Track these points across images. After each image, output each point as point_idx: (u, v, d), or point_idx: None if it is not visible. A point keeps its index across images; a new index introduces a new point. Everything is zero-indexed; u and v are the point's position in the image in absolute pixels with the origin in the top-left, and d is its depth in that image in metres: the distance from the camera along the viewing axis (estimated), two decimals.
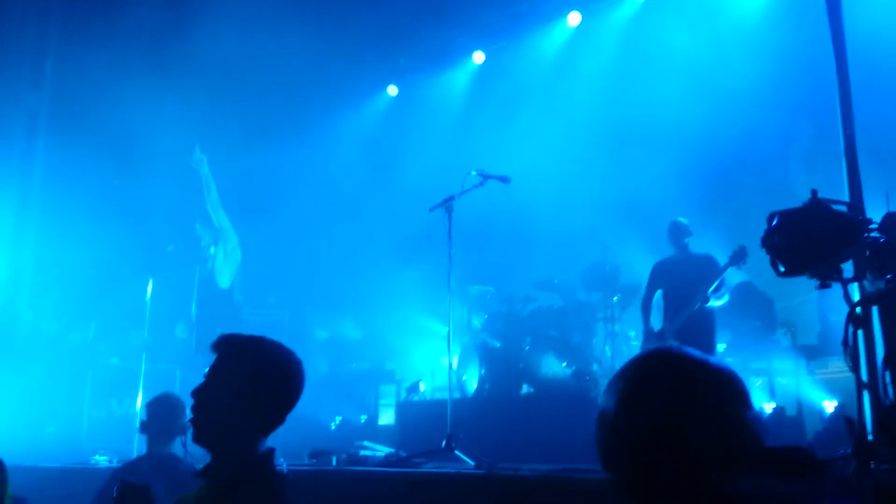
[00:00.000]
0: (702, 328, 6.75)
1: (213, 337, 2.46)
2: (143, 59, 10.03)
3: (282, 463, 5.75)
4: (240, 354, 2.37)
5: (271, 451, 2.38)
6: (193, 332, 8.13)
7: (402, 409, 8.99)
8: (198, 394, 2.35)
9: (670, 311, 7.02)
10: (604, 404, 1.60)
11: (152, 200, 10.17)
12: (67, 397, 9.22)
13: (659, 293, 7.34)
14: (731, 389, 1.51)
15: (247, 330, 2.43)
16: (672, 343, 6.50)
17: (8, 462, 6.80)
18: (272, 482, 2.33)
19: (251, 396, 2.31)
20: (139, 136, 10.04)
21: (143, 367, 7.85)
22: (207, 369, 2.38)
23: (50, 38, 11.02)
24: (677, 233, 7.16)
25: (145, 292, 8.01)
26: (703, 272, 6.89)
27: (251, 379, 2.32)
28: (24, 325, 10.09)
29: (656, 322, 7.25)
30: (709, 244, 7.42)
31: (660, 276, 7.28)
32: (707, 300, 6.75)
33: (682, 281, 6.95)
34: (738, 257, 6.65)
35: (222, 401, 2.31)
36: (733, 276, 6.99)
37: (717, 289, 6.81)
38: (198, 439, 2.35)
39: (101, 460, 6.98)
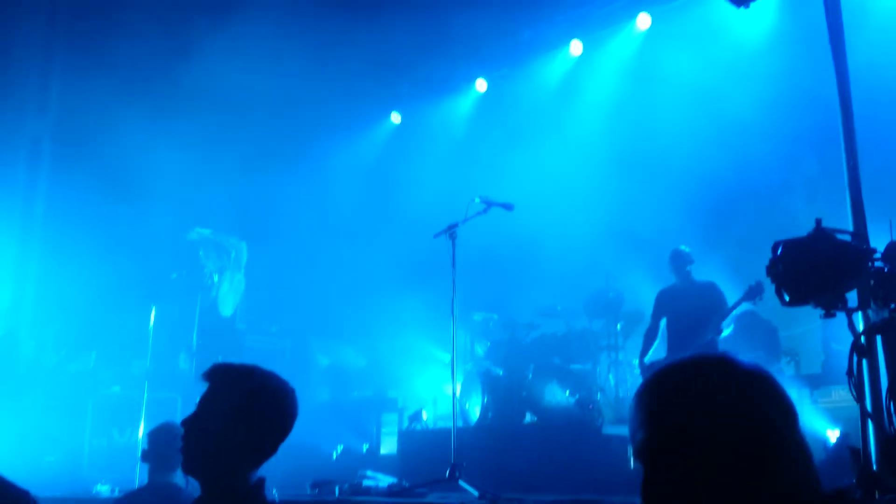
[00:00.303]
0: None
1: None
2: (146, 87, 10.11)
3: (274, 494, 5.72)
4: (231, 384, 2.34)
5: (262, 481, 2.35)
6: (194, 360, 8.11)
7: (405, 438, 8.95)
8: (188, 423, 2.33)
9: (675, 339, 6.97)
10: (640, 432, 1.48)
11: (155, 228, 10.18)
12: (68, 426, 9.16)
13: (663, 322, 7.29)
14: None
15: (249, 358, 2.42)
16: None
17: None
18: None
19: (242, 426, 2.28)
20: (141, 164, 10.09)
21: (146, 395, 7.83)
22: (199, 399, 2.36)
23: (54, 67, 11.11)
24: (679, 261, 7.13)
25: (148, 320, 8.01)
26: (707, 301, 6.85)
27: (242, 408, 2.29)
28: (24, 354, 10.07)
29: (660, 350, 7.20)
30: (712, 272, 7.41)
31: (664, 304, 7.24)
32: (720, 332, 6.66)
33: (686, 309, 6.93)
34: (754, 293, 6.52)
35: (212, 431, 2.28)
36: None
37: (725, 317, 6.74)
38: (188, 469, 2.33)
39: (103, 489, 6.94)
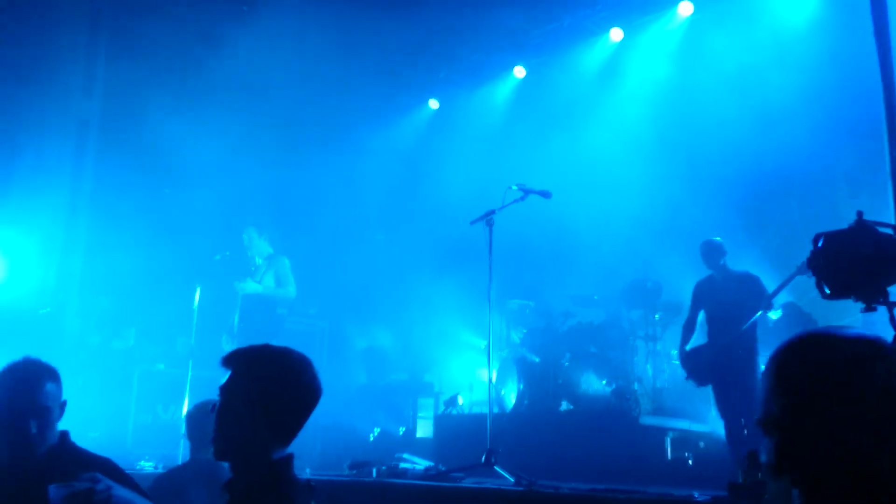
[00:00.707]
0: (747, 342, 6.65)
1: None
2: (188, 72, 10.26)
3: (307, 472, 5.82)
4: (248, 367, 2.38)
5: (289, 458, 2.39)
6: (235, 342, 8.24)
7: (441, 423, 9.03)
8: (216, 413, 2.38)
9: (714, 330, 6.91)
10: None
11: (201, 210, 10.36)
12: (113, 403, 9.38)
13: (701, 314, 7.22)
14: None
15: (287, 339, 2.47)
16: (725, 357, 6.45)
17: None
18: (289, 488, 2.33)
19: (263, 407, 2.31)
20: (185, 147, 10.26)
21: (190, 373, 7.99)
22: (220, 386, 2.41)
23: (100, 49, 11.30)
24: (713, 253, 6.97)
25: (193, 300, 8.17)
26: (745, 290, 6.74)
27: (262, 390, 2.33)
28: (70, 332, 10.32)
29: (698, 341, 7.15)
30: (751, 263, 7.33)
31: (701, 296, 7.13)
32: (771, 307, 6.57)
33: (724, 300, 6.82)
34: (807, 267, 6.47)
35: (236, 416, 2.32)
36: (779, 297, 6.86)
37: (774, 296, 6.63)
38: (219, 456, 2.37)
39: (147, 465, 7.10)
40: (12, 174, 10.24)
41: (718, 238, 7.05)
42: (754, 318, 6.59)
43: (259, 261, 8.19)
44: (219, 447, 2.36)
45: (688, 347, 7.12)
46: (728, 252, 6.99)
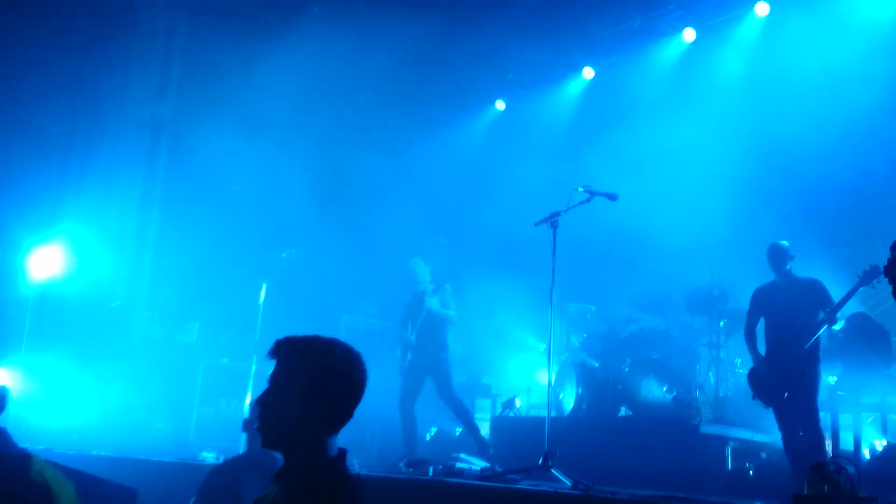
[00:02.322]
0: (812, 354, 6.38)
1: None
2: (264, 72, 10.41)
3: (355, 465, 5.86)
4: (296, 355, 2.39)
5: (343, 452, 2.39)
6: (412, 354, 8.41)
7: (498, 424, 9.00)
8: (262, 400, 2.39)
9: (774, 338, 6.61)
10: None
11: (269, 207, 10.55)
12: (178, 395, 9.60)
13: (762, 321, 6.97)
14: None
15: (342, 337, 2.48)
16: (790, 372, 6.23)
17: (117, 455, 7.16)
18: (344, 483, 2.34)
19: (313, 395, 2.33)
20: (258, 144, 10.47)
21: (254, 368, 8.14)
22: (269, 374, 2.43)
23: (175, 51, 11.60)
24: (779, 257, 6.68)
25: (258, 296, 8.32)
26: (810, 298, 6.44)
27: (311, 378, 2.35)
28: (138, 325, 10.60)
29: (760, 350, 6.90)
30: (824, 272, 7.09)
31: (762, 302, 6.84)
32: (835, 322, 6.31)
33: (786, 308, 6.54)
34: (870, 276, 6.14)
35: (284, 404, 2.34)
36: (848, 306, 6.61)
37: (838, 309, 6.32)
38: (267, 444, 2.39)
39: (209, 457, 7.25)
40: (88, 170, 10.57)
41: (786, 242, 6.79)
42: (818, 334, 6.31)
43: (425, 287, 8.35)
44: (265, 434, 2.38)
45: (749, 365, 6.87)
46: (795, 257, 6.73)
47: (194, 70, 11.14)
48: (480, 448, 7.89)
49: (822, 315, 6.34)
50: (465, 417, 8.14)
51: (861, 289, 6.28)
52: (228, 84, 10.52)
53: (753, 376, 6.69)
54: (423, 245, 8.74)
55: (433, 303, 8.27)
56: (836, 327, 6.55)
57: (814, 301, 6.43)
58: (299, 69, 10.33)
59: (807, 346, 6.31)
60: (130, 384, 9.46)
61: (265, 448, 2.42)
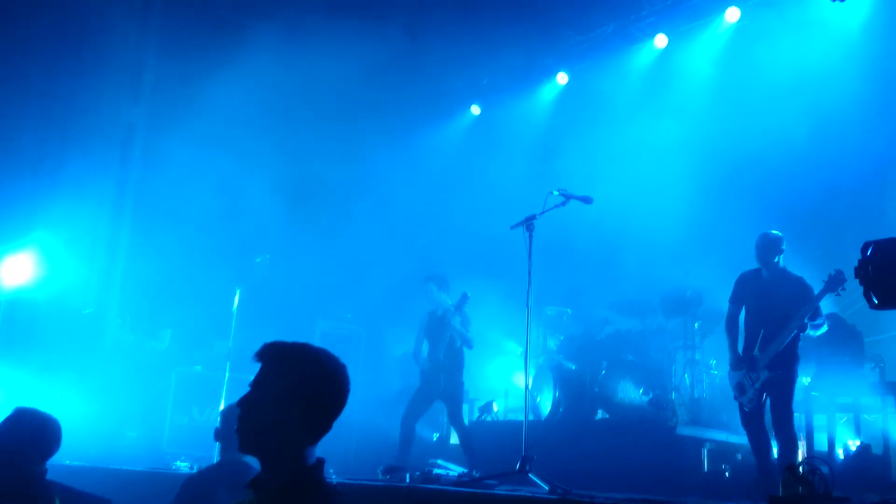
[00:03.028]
0: (789, 354, 6.30)
1: None
2: (235, 79, 10.35)
3: (331, 474, 5.82)
4: (282, 361, 2.37)
5: (321, 462, 2.37)
6: (436, 370, 8.31)
7: (475, 429, 8.97)
8: (243, 403, 2.36)
9: (753, 333, 6.44)
10: None
11: (242, 213, 10.47)
12: (151, 403, 9.49)
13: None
14: None
15: (320, 343, 2.45)
16: (767, 372, 6.18)
17: (90, 464, 7.05)
18: (322, 492, 2.32)
19: (295, 403, 2.30)
20: (230, 150, 10.39)
21: (227, 375, 8.05)
22: (252, 378, 2.40)
23: (148, 56, 11.49)
24: (769, 246, 6.46)
25: (232, 303, 8.24)
26: (795, 296, 6.27)
27: (295, 385, 2.32)
28: (110, 332, 10.48)
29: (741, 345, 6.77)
30: (798, 272, 7.12)
31: (745, 289, 6.62)
32: (804, 328, 6.17)
33: (769, 302, 6.36)
34: (836, 283, 6.04)
35: (267, 409, 2.31)
36: (821, 307, 6.57)
37: (815, 317, 6.20)
38: (245, 448, 2.36)
39: (182, 466, 7.17)
40: (60, 177, 10.44)
41: (777, 231, 6.57)
42: (790, 337, 6.19)
43: (446, 308, 8.22)
44: (243, 438, 2.35)
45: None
46: (786, 251, 6.51)
47: (166, 77, 11.04)
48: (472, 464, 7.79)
49: (802, 310, 6.21)
50: (469, 443, 8.03)
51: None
52: (199, 91, 10.45)
53: (732, 377, 6.60)
54: (433, 269, 8.68)
55: (456, 322, 8.14)
56: (817, 333, 6.44)
57: (800, 299, 6.24)
58: (271, 76, 10.30)
59: (779, 349, 6.25)
60: (102, 392, 9.33)
61: (242, 452, 2.40)
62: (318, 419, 2.36)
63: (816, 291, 6.21)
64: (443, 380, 7.99)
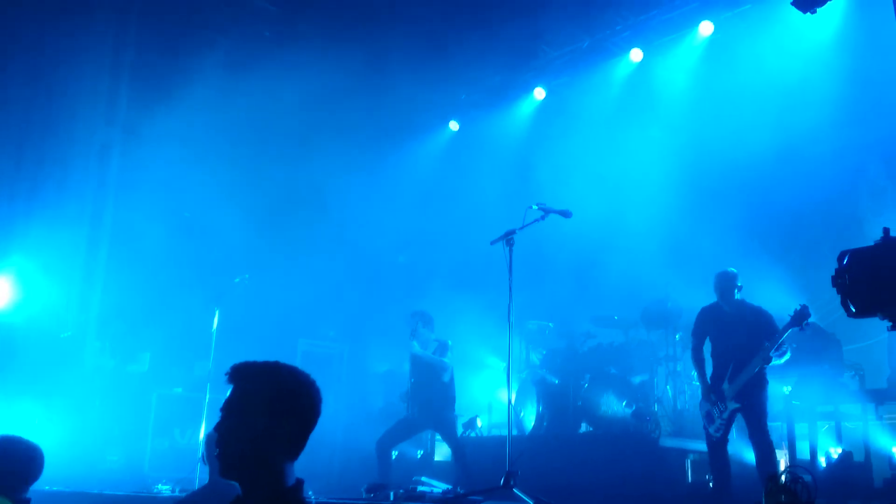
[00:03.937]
0: (756, 384, 6.40)
1: None
2: (208, 100, 10.33)
3: (310, 496, 5.78)
4: (252, 381, 2.36)
5: (300, 482, 2.36)
6: (410, 403, 8.28)
7: (459, 445, 8.94)
8: (219, 428, 2.35)
9: (722, 364, 6.58)
10: None
11: (220, 233, 10.41)
12: (131, 426, 9.38)
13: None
14: None
15: (302, 362, 2.45)
16: (734, 403, 6.30)
17: (71, 489, 6.95)
18: None
19: (269, 422, 2.30)
20: (206, 170, 10.34)
21: (208, 397, 7.97)
22: (224, 401, 2.39)
23: (123, 78, 11.44)
24: (727, 283, 6.68)
25: (212, 323, 8.18)
26: (758, 326, 6.46)
27: (267, 404, 2.32)
28: (89, 355, 10.36)
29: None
30: (776, 284, 7.20)
31: (708, 324, 6.84)
32: (769, 360, 6.32)
33: (734, 334, 6.55)
34: (800, 318, 6.19)
35: (241, 430, 2.30)
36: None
37: (779, 348, 6.34)
38: (225, 473, 2.34)
39: (164, 489, 7.08)
40: (36, 200, 10.35)
41: (734, 269, 6.78)
42: (755, 370, 6.32)
43: (426, 337, 8.28)
44: (223, 462, 2.34)
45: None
46: (743, 286, 6.69)
47: (140, 98, 10.98)
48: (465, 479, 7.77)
49: (766, 344, 6.34)
50: (465, 462, 8.01)
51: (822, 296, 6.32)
52: (177, 111, 10.41)
53: (703, 408, 6.70)
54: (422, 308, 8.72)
55: (415, 347, 8.21)
56: (781, 361, 6.56)
57: (763, 329, 6.43)
58: (249, 97, 10.28)
59: (748, 380, 6.34)
60: (82, 416, 9.22)
61: (224, 477, 2.37)
62: (293, 435, 2.35)
63: (778, 322, 6.37)
64: (431, 418, 8.02)
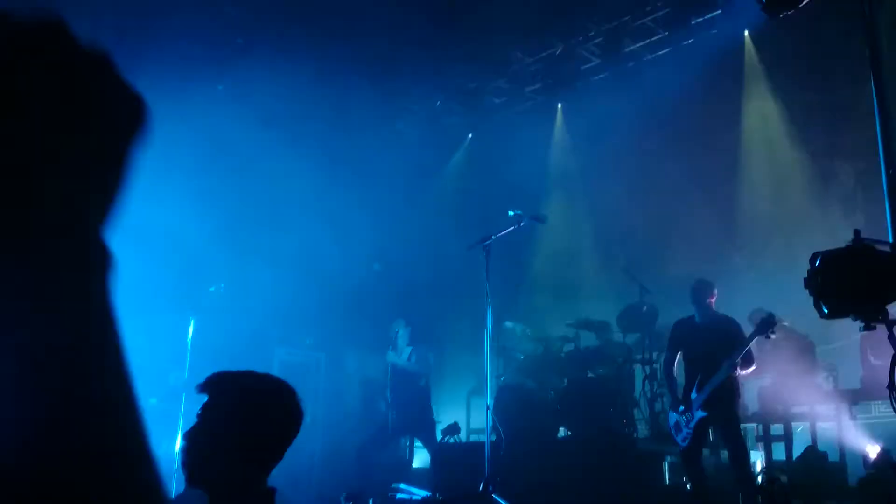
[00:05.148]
0: (725, 393, 6.45)
1: None
2: (188, 97, 10.27)
3: None
4: (227, 391, 2.31)
5: (272, 492, 2.32)
6: (391, 410, 8.38)
7: (439, 451, 8.93)
8: (188, 435, 2.30)
9: (692, 377, 6.65)
10: None
11: (193, 241, 10.32)
12: None
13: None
14: None
15: (279, 370, 2.42)
16: (701, 412, 6.36)
17: None
18: None
19: (241, 432, 2.26)
20: (177, 177, 10.25)
21: (183, 407, 7.90)
22: (198, 409, 2.33)
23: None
24: (701, 293, 6.75)
25: (187, 333, 8.10)
26: (726, 337, 6.52)
27: (240, 415, 2.28)
28: None
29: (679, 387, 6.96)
30: (751, 287, 7.27)
31: (681, 337, 6.92)
32: (735, 367, 6.37)
33: (704, 346, 6.61)
34: (766, 326, 6.25)
35: (211, 439, 2.26)
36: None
37: (745, 357, 6.41)
38: (191, 481, 2.28)
39: None
40: None
41: (709, 279, 6.87)
42: (722, 379, 6.36)
43: (403, 345, 8.50)
44: (189, 471, 2.28)
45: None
46: (717, 295, 6.77)
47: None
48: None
49: (733, 354, 6.38)
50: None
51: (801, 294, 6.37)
52: (154, 109, 10.32)
53: (671, 419, 6.76)
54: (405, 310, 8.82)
55: (391, 356, 8.46)
56: (745, 372, 6.64)
57: (728, 341, 6.48)
58: (218, 106, 10.25)
59: (715, 389, 6.38)
60: None
61: (189, 485, 2.32)
62: (267, 449, 2.31)
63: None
64: (411, 424, 8.12)
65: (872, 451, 6.96)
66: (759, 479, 5.80)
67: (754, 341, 6.42)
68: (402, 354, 8.49)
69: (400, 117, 12.52)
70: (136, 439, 0.64)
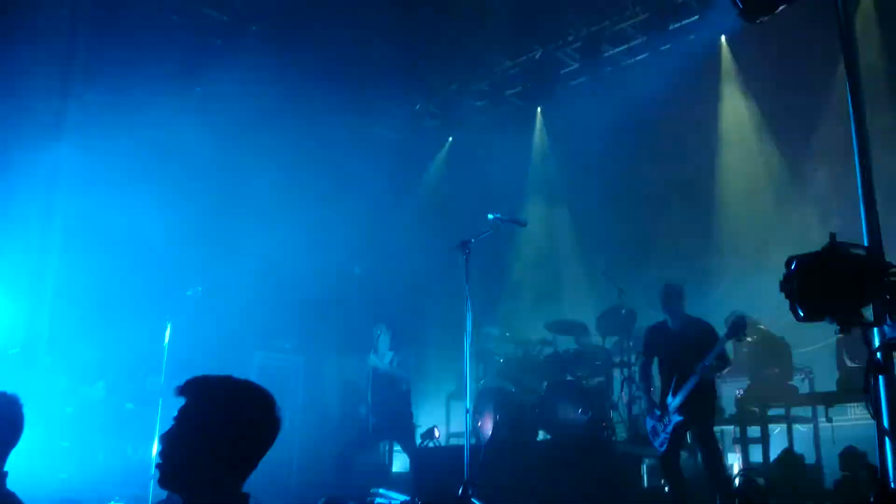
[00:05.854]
0: (699, 397, 6.48)
1: None
2: (156, 114, 10.21)
3: None
4: (205, 396, 2.31)
5: (245, 497, 2.30)
6: (371, 413, 8.44)
7: (418, 456, 8.92)
8: (164, 438, 2.29)
9: (667, 381, 6.66)
10: None
11: (172, 245, 10.24)
12: (82, 443, 9.17)
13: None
14: None
15: (257, 375, 2.39)
16: (677, 416, 6.39)
17: None
18: None
19: (217, 437, 2.24)
20: (156, 179, 10.19)
21: (160, 412, 7.83)
22: (176, 413, 2.32)
23: (72, 91, 11.21)
24: (671, 298, 6.75)
25: (163, 337, 8.03)
26: (699, 341, 6.51)
27: (217, 419, 2.26)
28: (40, 371, 10.10)
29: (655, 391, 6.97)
30: (728, 291, 7.31)
31: (655, 342, 6.93)
32: (707, 370, 6.37)
33: (678, 351, 6.63)
34: (737, 329, 6.27)
35: (188, 443, 2.25)
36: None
37: (719, 359, 6.43)
38: (166, 485, 2.27)
39: None
40: None
41: (678, 283, 6.87)
42: (696, 382, 6.36)
43: (385, 349, 8.59)
44: (163, 472, 2.27)
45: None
46: (687, 298, 6.77)
47: (89, 111, 10.78)
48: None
49: (705, 356, 6.39)
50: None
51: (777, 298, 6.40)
52: (121, 123, 10.23)
53: (648, 424, 6.77)
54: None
55: (372, 360, 8.54)
56: (721, 373, 6.67)
57: (702, 345, 6.47)
58: (198, 113, 10.19)
59: (689, 393, 6.39)
60: (32, 434, 8.95)
61: (163, 489, 2.30)
62: (243, 455, 2.29)
63: (721, 335, 6.43)
64: (391, 428, 8.16)
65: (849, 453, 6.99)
66: (737, 481, 5.82)
67: (729, 343, 6.45)
68: (384, 358, 8.49)
69: (379, 121, 12.48)
70: None
